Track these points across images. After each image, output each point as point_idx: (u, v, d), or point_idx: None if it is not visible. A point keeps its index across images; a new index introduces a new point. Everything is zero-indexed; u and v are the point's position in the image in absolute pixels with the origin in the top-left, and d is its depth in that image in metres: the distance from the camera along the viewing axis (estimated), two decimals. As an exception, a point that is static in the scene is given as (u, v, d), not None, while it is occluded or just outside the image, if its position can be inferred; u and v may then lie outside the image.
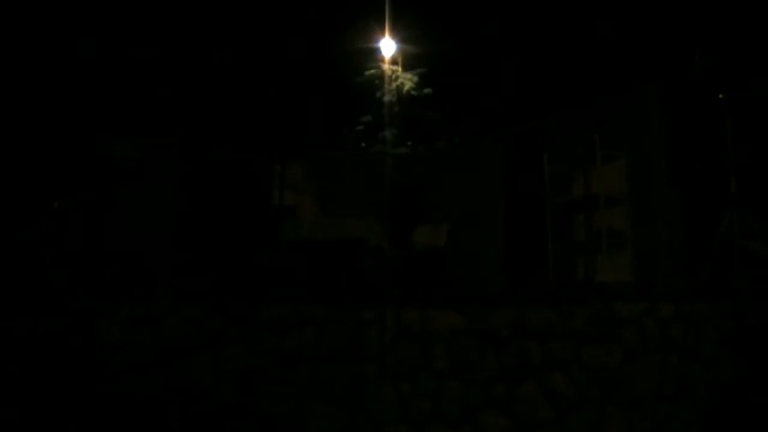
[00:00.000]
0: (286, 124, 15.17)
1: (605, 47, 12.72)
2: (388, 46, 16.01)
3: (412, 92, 17.28)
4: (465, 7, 15.51)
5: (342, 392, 5.98)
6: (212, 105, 14.21)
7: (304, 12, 15.44)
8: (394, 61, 16.83)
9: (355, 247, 8.73)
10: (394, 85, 17.18)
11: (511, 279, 10.70)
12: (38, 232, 7.90)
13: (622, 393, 6.21)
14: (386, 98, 16.98)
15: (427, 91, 17.27)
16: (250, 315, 6.02)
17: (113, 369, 5.75)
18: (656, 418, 6.32)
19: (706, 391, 6.50)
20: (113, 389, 5.67)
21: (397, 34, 15.76)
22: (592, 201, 10.05)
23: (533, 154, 11.14)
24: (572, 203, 10.45)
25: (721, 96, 7.95)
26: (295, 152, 12.55)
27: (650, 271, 9.24)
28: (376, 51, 16.38)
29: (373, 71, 17.13)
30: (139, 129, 11.47)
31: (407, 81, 17.38)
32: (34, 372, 5.60)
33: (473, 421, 6.02)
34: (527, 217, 11.06)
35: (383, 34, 15.72)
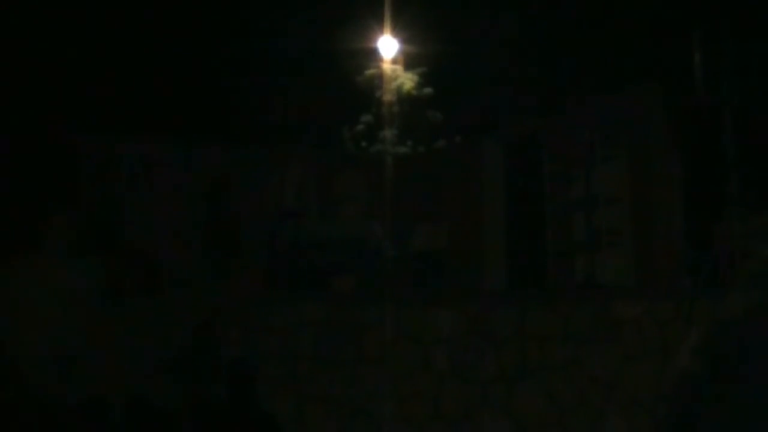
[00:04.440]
0: (285, 124, 15.15)
1: (606, 46, 12.71)
2: (388, 45, 15.94)
3: (412, 92, 17.24)
4: (465, 6, 15.48)
5: (342, 393, 5.99)
6: (209, 103, 14.20)
7: (304, 11, 15.41)
8: (394, 61, 16.78)
9: (356, 247, 8.72)
10: (394, 84, 17.12)
11: (511, 279, 10.70)
12: None
13: (622, 394, 6.21)
14: (386, 98, 16.92)
15: (427, 90, 17.22)
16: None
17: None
18: (656, 419, 6.30)
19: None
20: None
21: (398, 33, 15.72)
22: (591, 200, 10.04)
23: (533, 154, 11.15)
24: (572, 202, 10.44)
25: (720, 95, 7.94)
26: (295, 152, 12.55)
27: (650, 270, 9.24)
28: (376, 50, 16.35)
29: (373, 70, 17.10)
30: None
31: (407, 81, 17.32)
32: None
33: (473, 421, 6.03)
34: (527, 217, 11.06)
35: (383, 33, 15.68)
